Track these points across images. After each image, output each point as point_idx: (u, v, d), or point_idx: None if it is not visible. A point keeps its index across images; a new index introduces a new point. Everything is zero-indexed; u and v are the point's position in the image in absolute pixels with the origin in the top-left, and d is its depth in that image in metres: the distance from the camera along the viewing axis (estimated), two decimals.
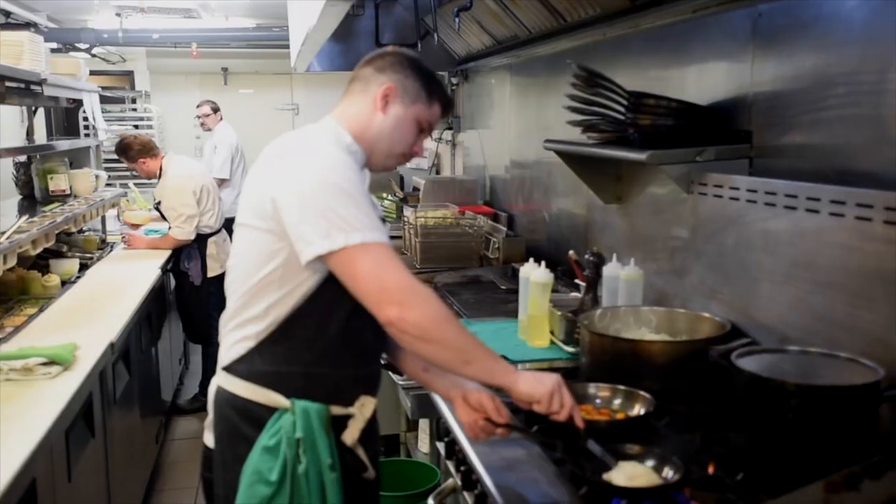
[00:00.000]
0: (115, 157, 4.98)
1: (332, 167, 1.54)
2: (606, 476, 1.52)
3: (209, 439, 1.70)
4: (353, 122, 1.70)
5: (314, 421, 1.56)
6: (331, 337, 1.61)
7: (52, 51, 5.29)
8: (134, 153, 4.72)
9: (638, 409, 1.82)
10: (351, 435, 1.64)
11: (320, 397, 1.59)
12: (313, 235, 1.49)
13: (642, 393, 1.84)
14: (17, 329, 3.01)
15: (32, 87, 3.73)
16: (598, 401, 1.90)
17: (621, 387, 1.89)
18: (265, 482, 1.54)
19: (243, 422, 1.60)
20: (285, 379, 1.57)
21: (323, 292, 1.57)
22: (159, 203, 4.80)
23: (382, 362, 1.79)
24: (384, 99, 1.69)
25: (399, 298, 1.48)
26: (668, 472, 1.51)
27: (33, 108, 4.80)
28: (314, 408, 1.57)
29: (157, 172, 4.81)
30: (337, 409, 1.62)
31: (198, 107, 7.04)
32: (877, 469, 1.27)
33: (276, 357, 1.59)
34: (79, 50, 7.16)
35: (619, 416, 1.83)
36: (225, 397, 1.63)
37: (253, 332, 1.60)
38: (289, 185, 1.53)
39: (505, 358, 2.29)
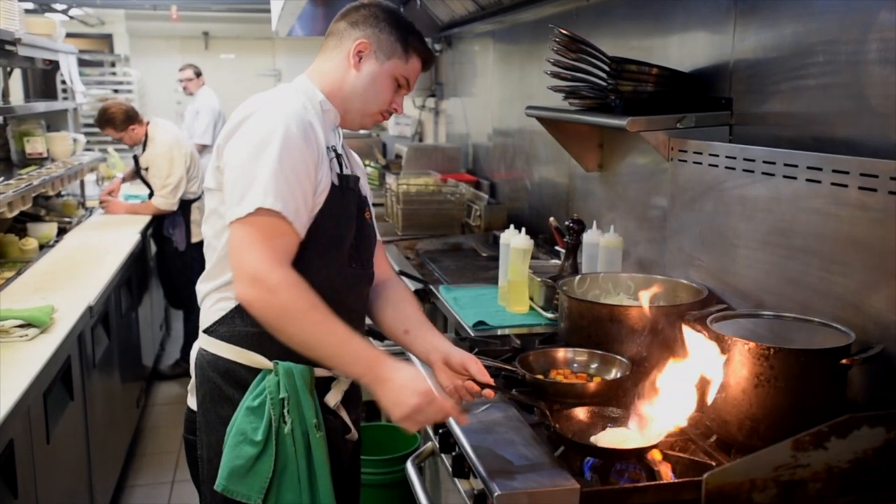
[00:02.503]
0: (94, 121, 4.90)
1: (272, 135, 1.50)
2: (593, 438, 1.54)
3: (192, 402, 1.69)
4: (326, 79, 1.67)
5: (298, 381, 1.55)
6: None
7: (27, 11, 5.18)
8: (120, 122, 4.63)
9: (615, 373, 1.84)
10: (335, 397, 1.64)
11: (304, 359, 1.56)
12: (230, 201, 1.50)
13: (619, 357, 1.86)
14: None
15: (7, 46, 3.65)
16: (575, 365, 1.92)
17: (598, 351, 1.91)
18: (250, 442, 1.53)
19: (226, 383, 1.59)
20: (268, 340, 1.54)
21: (304, 249, 1.55)
22: (146, 169, 4.74)
23: (366, 328, 1.78)
24: (357, 55, 1.64)
25: (249, 281, 1.46)
26: (647, 436, 1.53)
27: (8, 70, 4.71)
28: (298, 368, 1.56)
29: (143, 139, 4.75)
30: (321, 371, 1.61)
31: (180, 70, 6.95)
32: (843, 428, 1.30)
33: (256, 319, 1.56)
34: (55, 11, 7.02)
35: (596, 379, 1.85)
36: (207, 359, 1.62)
37: (232, 293, 1.58)
38: (231, 150, 1.53)
39: (482, 323, 2.33)
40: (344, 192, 1.64)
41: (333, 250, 1.62)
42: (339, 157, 1.68)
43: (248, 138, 1.52)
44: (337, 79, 1.67)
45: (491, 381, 1.61)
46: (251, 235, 1.48)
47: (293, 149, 1.51)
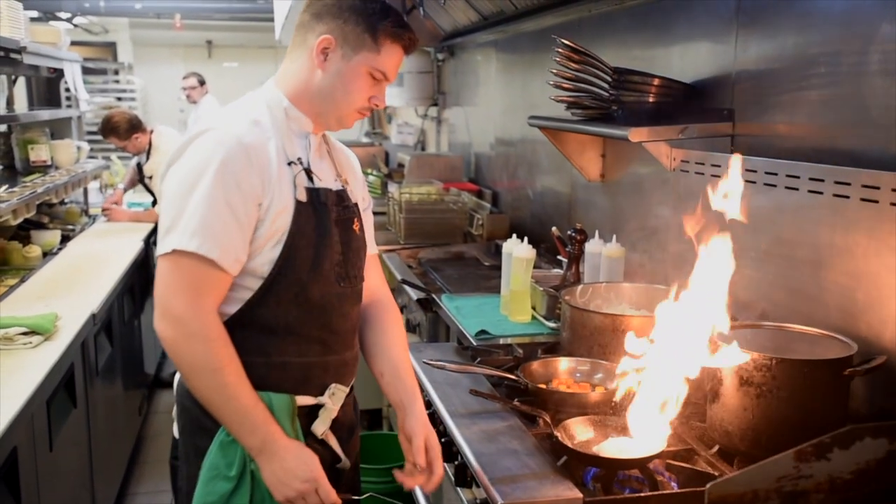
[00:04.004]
0: (98, 130, 4.92)
1: (205, 167, 1.42)
2: (596, 448, 1.54)
3: (175, 430, 1.66)
4: (292, 83, 1.54)
5: (277, 412, 1.47)
6: (292, 324, 1.52)
7: (32, 20, 5.20)
8: (123, 130, 4.66)
9: (617, 383, 1.84)
10: (322, 425, 1.57)
11: (286, 387, 1.51)
12: (159, 233, 1.45)
13: None
14: (0, 298, 3.00)
15: (12, 55, 3.67)
16: (577, 374, 1.92)
17: (601, 361, 1.92)
18: (224, 477, 1.46)
19: (203, 414, 1.50)
20: (247, 369, 1.46)
21: (278, 275, 1.48)
22: (150, 178, 4.75)
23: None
24: (322, 53, 1.50)
25: (170, 320, 1.41)
26: (650, 445, 1.54)
27: (13, 78, 4.73)
28: (277, 398, 1.48)
29: (147, 147, 4.77)
30: (305, 400, 1.54)
31: (184, 78, 6.98)
32: (846, 439, 1.31)
33: (235, 344, 1.47)
34: (60, 19, 7.05)
35: (599, 389, 1.85)
36: (185, 387, 1.53)
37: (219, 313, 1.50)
38: (168, 179, 1.48)
39: (485, 332, 2.33)
40: (315, 207, 1.53)
41: (313, 271, 1.52)
42: (308, 170, 1.55)
43: (183, 168, 1.45)
44: (302, 81, 1.54)
45: (422, 464, 1.55)
46: (176, 275, 1.42)
47: (228, 180, 1.42)
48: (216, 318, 1.44)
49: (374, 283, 1.75)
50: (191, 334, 1.41)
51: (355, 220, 1.64)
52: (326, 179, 1.59)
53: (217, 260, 1.41)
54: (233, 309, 1.49)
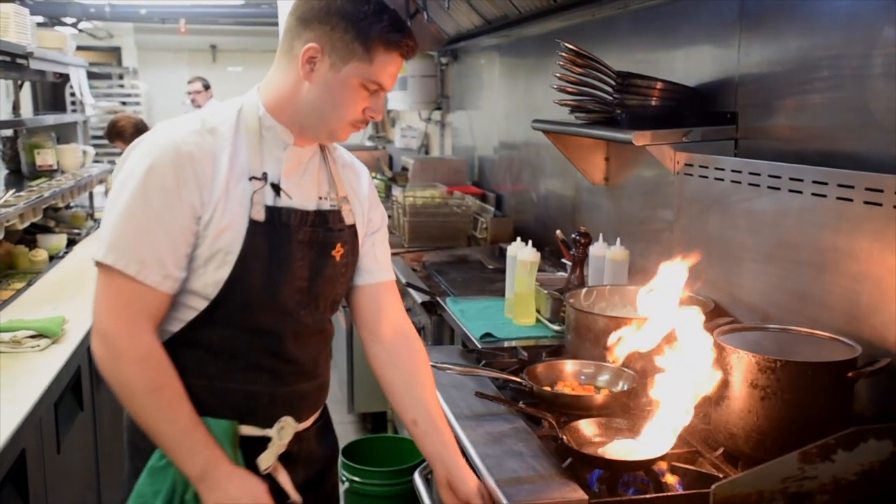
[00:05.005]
0: (103, 134, 4.95)
1: (132, 177, 1.32)
2: (601, 450, 1.54)
3: None
4: (274, 92, 1.42)
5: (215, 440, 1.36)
6: (239, 349, 1.40)
7: (38, 25, 5.23)
8: (129, 135, 4.69)
9: (621, 385, 1.86)
10: (268, 459, 1.43)
11: (228, 415, 1.39)
12: (98, 240, 1.35)
13: (626, 369, 1.87)
14: (5, 303, 3.01)
15: (18, 60, 3.70)
16: (582, 377, 1.93)
17: (605, 363, 1.92)
18: None
19: (138, 434, 1.41)
20: (188, 391, 1.36)
21: (224, 299, 1.37)
22: None
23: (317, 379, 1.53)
24: (308, 63, 1.36)
25: (100, 337, 1.33)
26: (655, 447, 1.54)
27: (19, 83, 4.76)
28: (217, 425, 1.37)
29: None
30: (249, 430, 1.42)
31: (189, 83, 7.01)
32: (850, 441, 1.31)
33: (176, 364, 1.37)
34: (65, 24, 7.09)
35: (603, 391, 1.86)
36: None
37: (160, 330, 1.40)
38: (113, 185, 1.39)
39: (489, 335, 2.34)
40: (276, 228, 1.40)
41: (266, 296, 1.39)
42: (275, 186, 1.41)
43: (119, 175, 1.36)
44: (287, 91, 1.40)
45: None
46: (104, 290, 1.33)
47: (154, 190, 1.31)
48: (150, 336, 1.34)
49: (395, 315, 1.61)
50: (119, 354, 1.32)
51: (338, 244, 1.49)
52: (301, 197, 1.45)
53: (136, 276, 1.30)
54: (175, 328, 1.40)
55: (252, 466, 1.42)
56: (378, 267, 1.60)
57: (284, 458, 1.48)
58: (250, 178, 1.38)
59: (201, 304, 1.38)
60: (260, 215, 1.38)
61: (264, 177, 1.40)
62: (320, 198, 1.49)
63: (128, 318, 1.32)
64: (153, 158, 1.32)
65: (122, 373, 1.33)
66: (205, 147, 1.35)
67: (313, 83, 1.38)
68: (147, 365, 1.33)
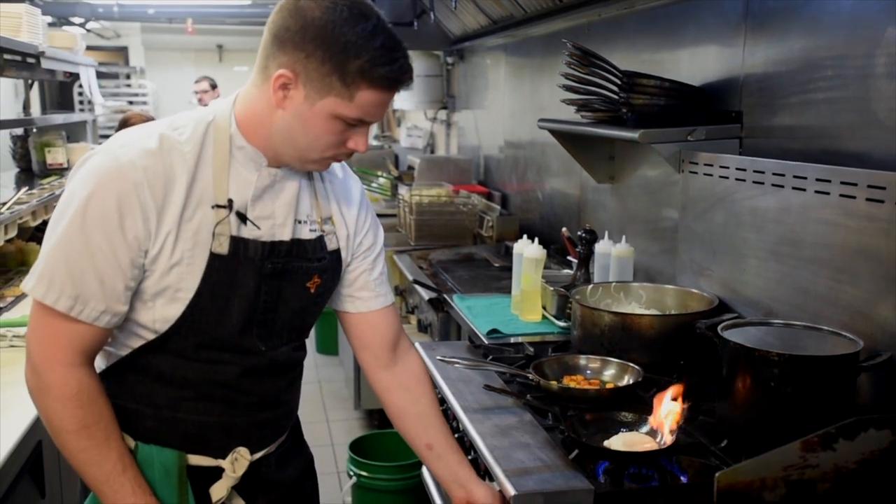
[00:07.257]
0: (114, 132, 4.99)
1: (70, 204, 1.19)
2: (606, 442, 1.57)
3: None
4: (249, 111, 1.27)
5: (158, 471, 1.29)
6: (190, 379, 1.31)
7: (48, 25, 5.27)
8: None
9: (627, 380, 1.88)
10: (218, 491, 1.35)
11: (176, 444, 1.31)
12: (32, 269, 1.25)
13: (631, 364, 1.90)
14: (18, 299, 3.04)
15: (29, 59, 3.74)
16: (588, 372, 1.96)
17: (611, 359, 1.95)
18: None
19: None
20: (133, 417, 1.30)
21: (175, 334, 1.27)
22: None
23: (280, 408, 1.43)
24: (281, 90, 1.20)
25: (29, 369, 1.24)
26: (661, 439, 1.57)
27: (30, 82, 4.80)
28: (161, 455, 1.29)
29: None
30: (199, 460, 1.34)
31: (196, 82, 7.05)
32: (850, 430, 1.34)
33: (122, 388, 1.31)
34: (73, 24, 7.14)
35: (609, 385, 1.89)
36: None
37: (105, 352, 1.33)
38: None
39: (496, 331, 2.37)
40: (240, 261, 1.27)
41: (222, 329, 1.29)
42: (241, 214, 1.27)
43: (63, 198, 1.23)
44: (260, 113, 1.25)
45: None
46: (39, 321, 1.23)
47: (93, 219, 1.18)
48: (82, 371, 1.23)
49: (396, 338, 1.53)
50: (46, 389, 1.22)
51: (315, 275, 1.36)
52: (272, 226, 1.31)
53: (68, 312, 1.19)
54: (122, 352, 1.31)
55: (205, 496, 1.35)
56: (374, 294, 1.49)
57: (241, 487, 1.39)
58: (213, 206, 1.24)
59: (150, 336, 1.29)
60: (223, 248, 1.25)
61: (229, 204, 1.25)
62: (298, 221, 1.35)
63: (58, 354, 1.22)
64: (95, 183, 1.18)
65: (48, 409, 1.24)
66: (157, 171, 1.20)
67: (286, 111, 1.22)
68: (76, 403, 1.22)
